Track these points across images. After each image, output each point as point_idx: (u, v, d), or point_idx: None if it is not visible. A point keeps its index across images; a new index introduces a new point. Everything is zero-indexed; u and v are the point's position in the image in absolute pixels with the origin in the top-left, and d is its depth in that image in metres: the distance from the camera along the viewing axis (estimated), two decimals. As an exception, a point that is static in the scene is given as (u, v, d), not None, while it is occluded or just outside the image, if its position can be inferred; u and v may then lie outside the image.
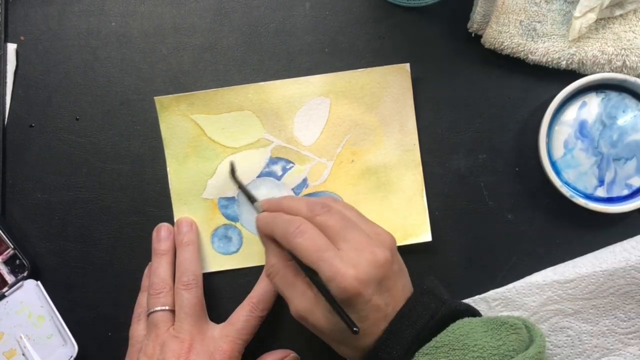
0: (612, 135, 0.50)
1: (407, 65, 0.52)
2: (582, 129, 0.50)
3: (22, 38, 0.54)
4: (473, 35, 0.51)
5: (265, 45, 0.53)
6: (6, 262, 0.52)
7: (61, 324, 0.51)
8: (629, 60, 0.49)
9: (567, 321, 0.49)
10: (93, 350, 0.53)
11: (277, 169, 0.53)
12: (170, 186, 0.53)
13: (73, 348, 0.51)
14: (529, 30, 0.50)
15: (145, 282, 0.52)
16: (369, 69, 0.52)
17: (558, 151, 0.50)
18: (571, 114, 0.50)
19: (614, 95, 0.50)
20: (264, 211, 0.47)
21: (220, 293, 0.53)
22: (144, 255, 0.52)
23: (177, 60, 0.53)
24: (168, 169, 0.53)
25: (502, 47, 0.50)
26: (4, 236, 0.52)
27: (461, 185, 0.52)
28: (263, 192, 0.52)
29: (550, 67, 0.50)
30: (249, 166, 0.52)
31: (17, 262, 0.52)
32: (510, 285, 0.50)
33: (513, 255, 0.52)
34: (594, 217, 0.50)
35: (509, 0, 0.50)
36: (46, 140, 0.53)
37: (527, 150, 0.52)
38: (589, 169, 0.50)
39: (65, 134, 0.53)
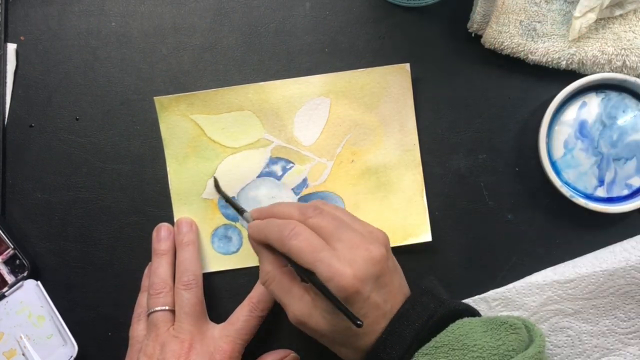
0: (612, 135, 0.50)
1: (407, 65, 0.52)
2: (582, 129, 0.50)
3: (22, 38, 0.54)
4: (473, 35, 0.51)
5: (265, 45, 0.53)
6: (6, 262, 0.52)
7: (61, 324, 0.51)
8: (629, 60, 0.49)
9: (567, 321, 0.49)
10: (93, 350, 0.53)
11: (277, 169, 0.53)
12: (170, 186, 0.53)
13: (73, 348, 0.51)
14: (529, 30, 0.50)
15: (145, 282, 0.52)
16: (369, 69, 0.52)
17: (558, 151, 0.50)
18: (571, 114, 0.50)
19: (614, 95, 0.50)
20: (254, 220, 0.47)
21: (220, 293, 0.53)
22: (144, 255, 0.52)
23: (177, 60, 0.53)
24: (168, 169, 0.53)
25: (502, 47, 0.50)
26: (4, 236, 0.52)
27: (461, 185, 0.52)
28: (263, 192, 0.52)
29: (550, 67, 0.50)
30: (249, 166, 0.52)
31: (17, 262, 0.52)
32: (510, 285, 0.50)
33: (513, 255, 0.52)
34: (594, 217, 0.50)
35: (509, 0, 0.50)
36: (46, 140, 0.53)
37: (527, 150, 0.52)
38: (589, 169, 0.50)
39: (65, 134, 0.53)
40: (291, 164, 0.52)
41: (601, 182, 0.50)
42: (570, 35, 0.49)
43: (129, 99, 0.53)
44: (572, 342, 0.49)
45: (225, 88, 0.52)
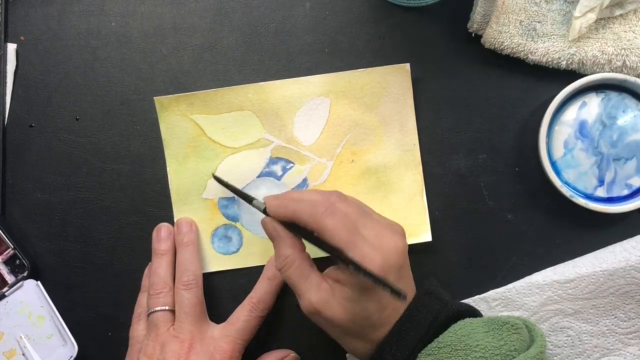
0: (612, 135, 0.50)
1: (407, 65, 0.52)
2: (582, 129, 0.50)
3: (22, 38, 0.54)
4: (473, 35, 0.51)
5: (265, 45, 0.53)
6: (6, 262, 0.52)
7: (61, 324, 0.51)
8: (629, 60, 0.49)
9: (567, 321, 0.49)
10: (93, 350, 0.53)
11: (277, 169, 0.53)
12: (170, 186, 0.53)
13: (73, 348, 0.51)
14: (529, 30, 0.50)
15: (145, 282, 0.52)
16: (369, 69, 0.52)
17: (558, 151, 0.50)
18: (571, 114, 0.50)
19: (614, 95, 0.50)
20: (264, 209, 0.46)
21: (220, 293, 0.53)
22: (144, 255, 0.52)
23: (177, 60, 0.53)
24: (168, 169, 0.53)
25: (502, 47, 0.50)
26: (4, 236, 0.52)
27: (461, 185, 0.52)
28: (263, 192, 0.52)
29: (550, 67, 0.50)
30: (249, 166, 0.52)
31: (17, 262, 0.52)
32: (510, 285, 0.50)
33: (513, 255, 0.52)
34: (594, 217, 0.50)
35: (509, 0, 0.50)
36: (46, 140, 0.53)
37: (527, 150, 0.52)
38: (589, 169, 0.50)
39: (65, 134, 0.53)
40: (291, 164, 0.52)
41: (601, 182, 0.50)
42: (570, 35, 0.49)
43: (129, 99, 0.53)
44: (572, 342, 0.49)
45: (225, 88, 0.52)
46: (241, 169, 0.52)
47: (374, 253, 0.40)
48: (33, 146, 0.53)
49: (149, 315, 0.49)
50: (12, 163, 0.53)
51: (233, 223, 0.53)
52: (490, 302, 0.50)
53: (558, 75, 0.51)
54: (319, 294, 0.42)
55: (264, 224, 0.45)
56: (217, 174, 0.52)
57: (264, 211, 0.45)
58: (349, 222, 0.41)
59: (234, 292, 0.52)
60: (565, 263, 0.50)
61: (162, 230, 0.52)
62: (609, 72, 0.50)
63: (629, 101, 0.50)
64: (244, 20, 0.53)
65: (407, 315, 0.42)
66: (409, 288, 0.44)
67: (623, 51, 0.49)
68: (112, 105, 0.53)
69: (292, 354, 0.51)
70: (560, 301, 0.49)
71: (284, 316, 0.52)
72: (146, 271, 0.52)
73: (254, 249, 0.52)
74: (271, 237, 0.45)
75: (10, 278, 0.52)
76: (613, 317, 0.49)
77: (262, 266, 0.52)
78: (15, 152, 0.53)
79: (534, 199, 0.52)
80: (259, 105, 0.52)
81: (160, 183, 0.53)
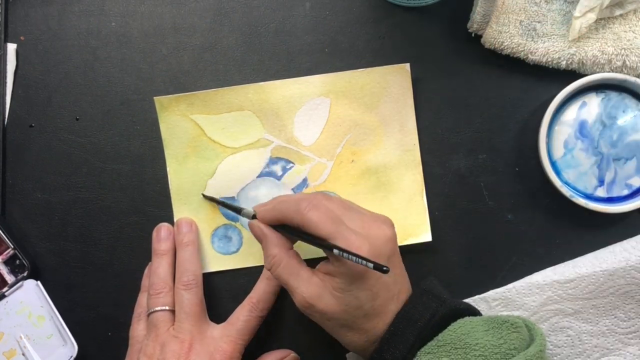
0: (612, 135, 0.50)
1: (407, 65, 0.52)
2: (582, 129, 0.50)
3: (22, 38, 0.54)
4: (473, 35, 0.51)
5: (265, 45, 0.53)
6: (6, 262, 0.52)
7: (61, 324, 0.51)
8: (629, 60, 0.49)
9: (567, 321, 0.49)
10: (93, 350, 0.53)
11: (277, 169, 0.53)
12: (170, 186, 0.53)
13: (73, 348, 0.51)
14: (529, 30, 0.50)
15: (145, 282, 0.52)
16: (369, 69, 0.52)
17: (558, 151, 0.50)
18: (571, 114, 0.50)
19: (614, 95, 0.50)
20: (253, 215, 0.47)
21: (220, 293, 0.53)
22: (144, 255, 0.52)
23: (177, 60, 0.53)
24: (168, 169, 0.53)
25: (502, 47, 0.50)
26: (4, 236, 0.52)
27: (461, 185, 0.52)
28: (263, 192, 0.52)
29: (550, 67, 0.50)
30: (249, 166, 0.52)
31: (17, 262, 0.52)
32: (510, 285, 0.50)
33: (513, 255, 0.52)
34: (594, 217, 0.50)
35: (509, 0, 0.50)
36: (46, 140, 0.53)
37: (527, 150, 0.52)
38: (589, 169, 0.50)
39: (65, 134, 0.53)
40: (291, 164, 0.52)
41: (601, 182, 0.50)
42: (570, 35, 0.49)
43: (129, 99, 0.53)
44: (572, 342, 0.49)
45: (225, 88, 0.52)
46: (241, 169, 0.52)
47: (360, 241, 0.41)
48: (33, 146, 0.53)
49: (149, 315, 0.49)
50: (12, 163, 0.53)
51: (233, 223, 0.53)
52: (490, 302, 0.50)
53: (558, 75, 0.51)
54: (310, 288, 0.43)
55: (250, 226, 0.46)
56: (217, 175, 0.52)
57: (254, 217, 0.46)
58: (333, 215, 0.42)
59: (234, 292, 0.52)
60: (565, 263, 0.50)
61: (162, 230, 0.52)
62: (609, 72, 0.50)
63: (629, 101, 0.50)
64: (244, 20, 0.53)
65: (404, 313, 0.42)
66: (402, 279, 0.44)
67: (623, 51, 0.49)
68: (112, 105, 0.53)
69: (292, 354, 0.51)
70: (560, 301, 0.49)
71: (284, 316, 0.52)
72: (146, 271, 0.52)
73: (254, 249, 0.52)
74: (259, 239, 0.46)
75: (10, 278, 0.52)
76: (613, 317, 0.49)
77: (262, 266, 0.52)
78: (15, 152, 0.53)
79: (534, 199, 0.52)
80: (259, 105, 0.52)
81: (160, 183, 0.53)
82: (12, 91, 0.54)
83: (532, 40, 0.50)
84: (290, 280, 0.43)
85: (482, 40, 0.51)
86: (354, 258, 0.40)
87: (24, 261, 0.52)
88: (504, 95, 0.52)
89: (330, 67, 0.52)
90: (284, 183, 0.52)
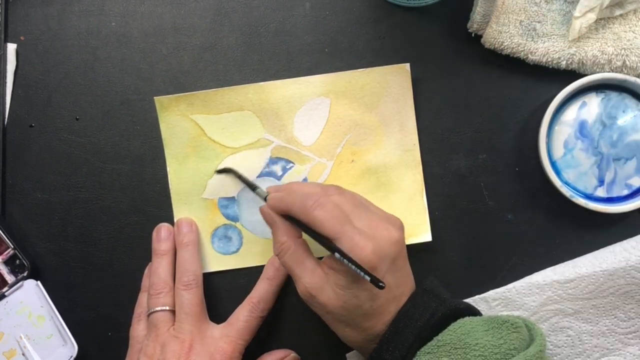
0: (612, 135, 0.50)
1: (407, 65, 0.52)
2: (582, 129, 0.50)
3: (22, 38, 0.54)
4: (473, 35, 0.51)
5: (265, 45, 0.53)
6: (6, 262, 0.52)
7: (61, 324, 0.51)
8: (629, 60, 0.49)
9: (567, 321, 0.49)
10: (93, 350, 0.53)
11: (277, 169, 0.53)
12: (170, 186, 0.53)
13: (73, 348, 0.51)
14: (529, 30, 0.50)
15: (145, 282, 0.52)
16: (369, 69, 0.52)
17: (558, 151, 0.50)
18: (571, 114, 0.50)
19: (614, 95, 0.50)
20: (266, 197, 0.47)
21: (220, 293, 0.53)
22: (144, 255, 0.52)
23: (177, 60, 0.53)
24: (168, 169, 0.53)
25: (502, 47, 0.50)
26: (4, 236, 0.52)
27: (461, 185, 0.52)
28: (263, 192, 0.52)
29: (550, 67, 0.50)
30: (249, 166, 0.52)
31: (17, 262, 0.52)
32: (510, 285, 0.50)
33: (513, 255, 0.52)
34: (594, 217, 0.50)
35: (509, 0, 0.50)
36: (46, 140, 0.53)
37: (527, 150, 0.52)
38: (589, 169, 0.50)
39: (65, 134, 0.53)
40: (291, 164, 0.52)
41: (601, 182, 0.50)
42: (570, 35, 0.49)
43: (129, 99, 0.53)
44: (572, 342, 0.49)
45: (225, 88, 0.52)
46: (241, 169, 0.52)
47: (365, 242, 0.41)
48: (33, 146, 0.53)
49: (149, 315, 0.49)
50: (12, 163, 0.53)
51: (233, 223, 0.53)
52: (490, 302, 0.50)
53: (558, 75, 0.51)
54: (313, 279, 0.43)
55: (262, 211, 0.46)
56: (216, 175, 0.52)
57: (265, 199, 0.47)
58: (339, 214, 0.42)
59: (234, 292, 0.52)
60: (565, 263, 0.50)
61: (162, 231, 0.52)
62: (609, 72, 0.50)
63: (629, 101, 0.50)
64: (244, 20, 0.53)
65: (404, 312, 0.42)
66: (406, 281, 0.44)
67: (623, 51, 0.49)
68: (112, 105, 0.53)
69: (292, 354, 0.51)
70: (560, 301, 0.49)
71: (284, 316, 0.52)
72: (146, 271, 0.52)
73: (254, 249, 0.52)
74: (269, 224, 0.46)
75: (10, 278, 0.52)
76: (613, 317, 0.49)
77: (262, 266, 0.52)
78: (15, 152, 0.53)
79: (534, 199, 0.52)
80: (259, 105, 0.52)
81: (160, 183, 0.53)
82: (12, 91, 0.54)
83: (532, 40, 0.50)
84: (295, 268, 0.44)
85: (482, 40, 0.51)
86: (353, 267, 0.40)
87: (24, 261, 0.52)
88: (504, 95, 0.52)
89: (330, 67, 0.52)
90: (284, 183, 0.52)
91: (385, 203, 0.52)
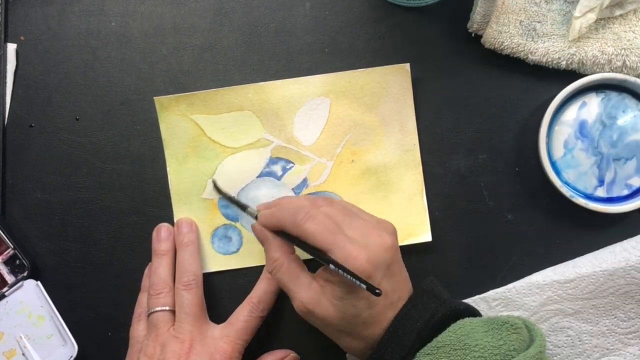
0: (612, 135, 0.50)
1: (407, 65, 0.52)
2: (582, 129, 0.50)
3: (22, 38, 0.54)
4: (473, 35, 0.51)
5: (265, 45, 0.53)
6: (6, 262, 0.52)
7: (61, 324, 0.51)
8: (629, 60, 0.49)
9: (567, 321, 0.49)
10: (93, 350, 0.53)
11: (277, 169, 0.53)
12: (170, 186, 0.53)
13: (73, 348, 0.51)
14: (529, 30, 0.50)
15: (145, 282, 0.52)
16: (369, 69, 0.52)
17: (558, 151, 0.50)
18: (571, 114, 0.50)
19: (614, 95, 0.50)
20: (257, 216, 0.47)
21: (220, 293, 0.53)
22: (144, 255, 0.52)
23: (177, 60, 0.53)
24: (168, 169, 0.53)
25: (502, 47, 0.50)
26: (4, 236, 0.52)
27: (461, 185, 0.52)
28: (263, 192, 0.52)
29: (550, 67, 0.50)
30: (249, 166, 0.52)
31: (17, 262, 0.52)
32: (510, 285, 0.50)
33: (513, 255, 0.52)
34: (594, 217, 0.50)
35: (509, 0, 0.50)
36: (46, 140, 0.53)
37: (527, 150, 0.52)
38: (589, 169, 0.50)
39: (65, 134, 0.53)
40: (291, 164, 0.52)
41: (601, 182, 0.50)
42: (570, 35, 0.49)
43: (129, 99, 0.53)
44: (572, 342, 0.49)
45: (225, 88, 0.52)
46: (241, 169, 0.52)
47: (358, 251, 0.41)
48: (33, 146, 0.53)
49: (149, 315, 0.49)
50: (12, 163, 0.53)
51: (233, 223, 0.53)
52: (490, 302, 0.50)
53: (558, 75, 0.51)
54: (310, 294, 0.43)
55: (253, 229, 0.47)
56: (216, 176, 0.52)
57: (256, 217, 0.47)
58: (330, 224, 0.42)
59: (234, 292, 0.52)
60: (565, 263, 0.50)
61: (162, 231, 0.52)
62: (609, 72, 0.50)
63: (629, 101, 0.50)
64: (244, 20, 0.53)
65: (404, 313, 0.42)
66: (402, 286, 0.44)
67: (623, 51, 0.49)
68: (112, 105, 0.53)
69: (292, 354, 0.51)
70: (560, 301, 0.49)
71: (284, 316, 0.52)
72: (146, 271, 0.52)
73: (254, 249, 0.52)
74: (261, 241, 0.46)
75: (10, 278, 0.52)
76: (613, 317, 0.49)
77: (262, 266, 0.52)
78: (15, 152, 0.53)
79: (534, 199, 0.52)
80: (259, 105, 0.52)
81: (160, 183, 0.53)
82: (12, 91, 0.54)
83: (532, 40, 0.50)
84: (290, 284, 0.44)
85: (482, 40, 0.51)
86: (349, 277, 0.40)
87: (24, 261, 0.52)
88: (504, 95, 0.52)
89: (330, 67, 0.52)
90: (284, 183, 0.52)
91: (385, 203, 0.52)
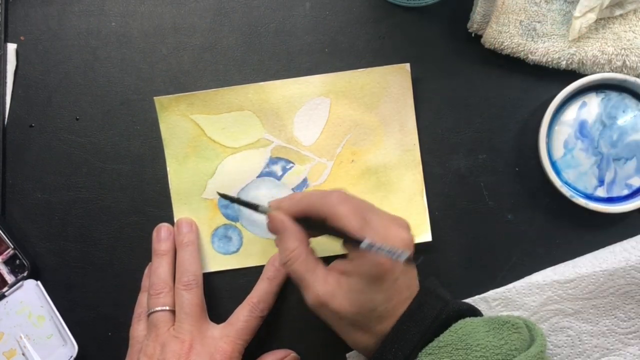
0: (612, 135, 0.50)
1: (407, 65, 0.52)
2: (582, 129, 0.50)
3: (22, 38, 0.54)
4: (473, 35, 0.51)
5: (265, 45, 0.53)
6: (6, 262, 0.52)
7: (61, 324, 0.51)
8: (629, 60, 0.49)
9: (567, 321, 0.49)
10: (93, 350, 0.53)
11: (277, 169, 0.53)
12: (170, 186, 0.53)
13: (73, 348, 0.51)
14: (529, 30, 0.50)
15: (145, 282, 0.52)
16: (369, 69, 0.52)
17: (558, 151, 0.50)
18: (571, 114, 0.50)
19: (614, 95, 0.50)
20: (269, 213, 0.47)
21: (220, 293, 0.53)
22: (144, 255, 0.52)
23: (177, 60, 0.53)
24: (168, 169, 0.53)
25: (502, 47, 0.50)
26: (4, 236, 0.52)
27: (461, 185, 0.52)
28: (263, 192, 0.52)
29: (550, 67, 0.50)
30: (249, 166, 0.52)
31: (17, 262, 0.52)
32: (510, 285, 0.50)
33: (513, 255, 0.52)
34: (594, 217, 0.50)
35: (509, 0, 0.50)
36: (46, 140, 0.53)
37: (527, 150, 0.52)
38: (589, 169, 0.50)
39: (65, 134, 0.53)
40: (291, 164, 0.52)
41: (601, 182, 0.50)
42: (570, 35, 0.49)
43: (129, 99, 0.53)
44: (572, 342, 0.49)
45: (225, 88, 0.52)
46: (241, 169, 0.52)
47: (395, 229, 0.42)
48: (33, 146, 0.53)
49: (149, 315, 0.49)
50: (12, 163, 0.53)
51: (233, 223, 0.53)
52: (490, 302, 0.50)
53: (558, 75, 0.51)
54: (326, 287, 0.42)
55: (271, 217, 0.45)
56: (217, 175, 0.52)
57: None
58: (359, 212, 0.42)
59: (234, 292, 0.52)
60: (565, 263, 0.50)
61: (162, 231, 0.52)
62: (609, 72, 0.50)
63: (629, 101, 0.50)
64: (244, 20, 0.53)
65: (409, 313, 0.42)
66: (414, 283, 0.44)
67: (623, 51, 0.49)
68: (112, 105, 0.53)
69: (292, 354, 0.51)
70: (560, 301, 0.49)
71: (284, 316, 0.52)
72: (146, 271, 0.52)
73: (254, 249, 0.52)
74: (277, 231, 0.45)
75: (10, 278, 0.52)
76: (613, 317, 0.49)
77: (262, 266, 0.52)
78: (15, 152, 0.53)
79: (534, 199, 0.52)
80: (259, 105, 0.52)
81: (160, 183, 0.53)
82: (12, 91, 0.54)
83: (532, 40, 0.50)
84: (306, 276, 0.43)
85: (482, 40, 0.51)
86: (385, 250, 0.39)
87: (24, 261, 0.52)
88: (504, 95, 0.52)
89: (330, 67, 0.52)
90: (284, 183, 0.52)
91: (385, 203, 0.52)
